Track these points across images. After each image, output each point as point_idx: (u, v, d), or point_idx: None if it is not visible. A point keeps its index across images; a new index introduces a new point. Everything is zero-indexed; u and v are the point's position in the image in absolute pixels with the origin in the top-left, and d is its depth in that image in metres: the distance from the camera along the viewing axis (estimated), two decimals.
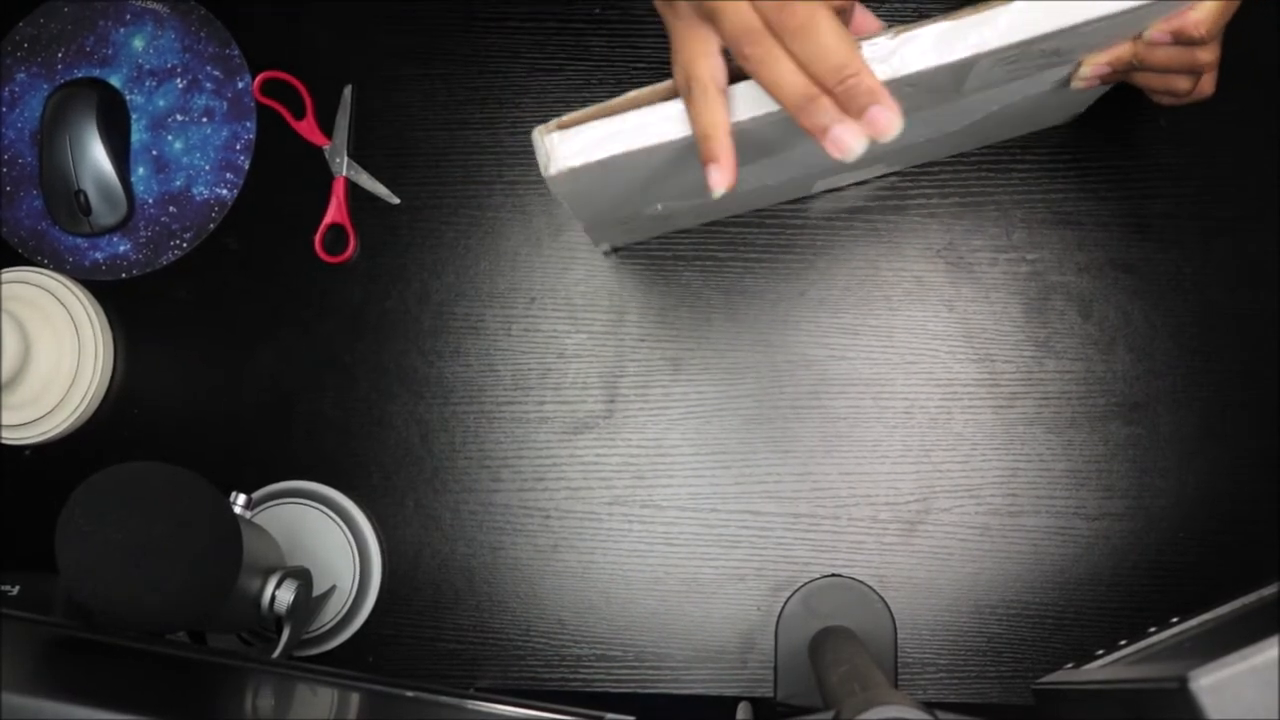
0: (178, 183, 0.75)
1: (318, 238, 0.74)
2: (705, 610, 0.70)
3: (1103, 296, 0.71)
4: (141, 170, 0.75)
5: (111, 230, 0.75)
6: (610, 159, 0.51)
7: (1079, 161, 0.71)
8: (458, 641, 0.71)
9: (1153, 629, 0.48)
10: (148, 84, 0.76)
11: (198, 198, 0.75)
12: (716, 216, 0.72)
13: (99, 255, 0.75)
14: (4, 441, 0.73)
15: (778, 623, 0.70)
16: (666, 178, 0.57)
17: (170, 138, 0.76)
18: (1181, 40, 0.54)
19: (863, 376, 0.71)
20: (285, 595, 0.60)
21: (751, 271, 0.72)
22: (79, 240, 0.75)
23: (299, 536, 0.71)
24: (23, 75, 0.76)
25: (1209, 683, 0.34)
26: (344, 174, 0.74)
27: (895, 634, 0.69)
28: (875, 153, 0.48)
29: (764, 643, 0.70)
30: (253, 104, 0.75)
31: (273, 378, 0.74)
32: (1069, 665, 0.49)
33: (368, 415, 0.73)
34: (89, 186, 0.74)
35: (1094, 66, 0.57)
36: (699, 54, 0.48)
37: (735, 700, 0.69)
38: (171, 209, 0.75)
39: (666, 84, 0.51)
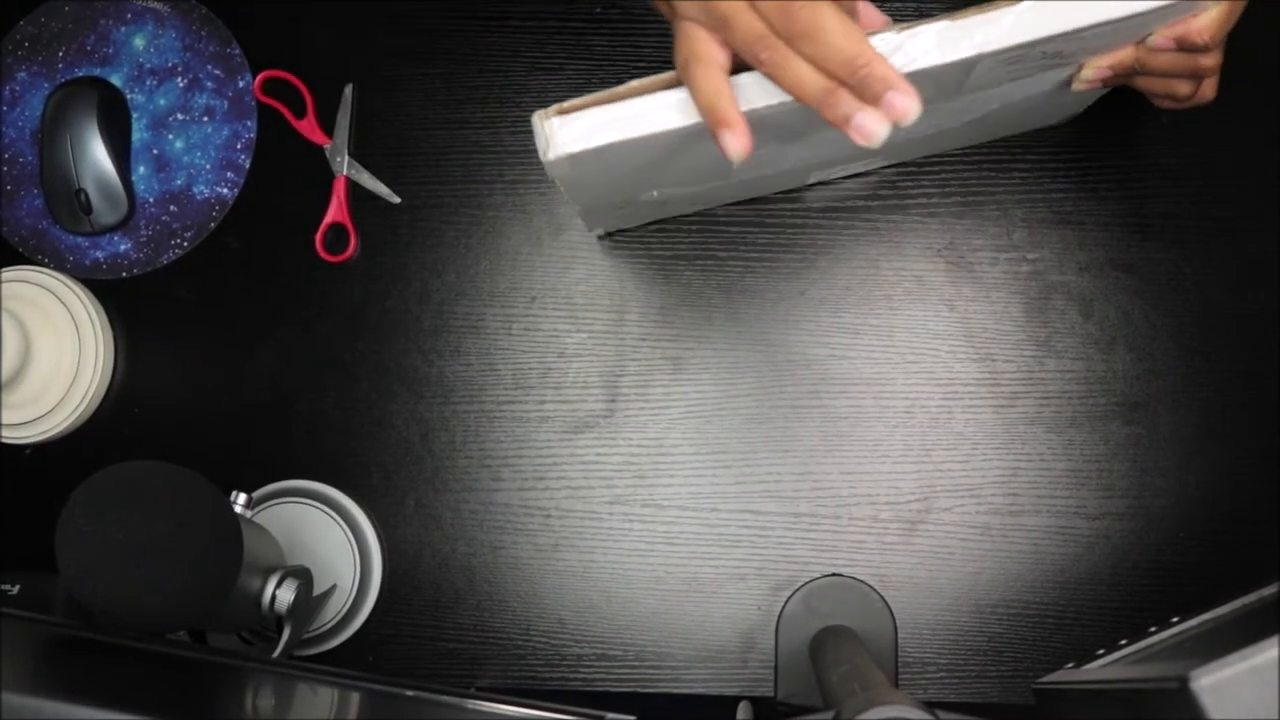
0: (178, 182, 0.75)
1: (318, 237, 0.74)
2: (706, 610, 0.70)
3: (1103, 296, 0.71)
4: (142, 169, 0.75)
5: (112, 229, 0.75)
6: (609, 145, 0.50)
7: (1080, 161, 0.71)
8: (458, 641, 0.71)
9: (1153, 629, 0.48)
10: (148, 83, 0.76)
11: (198, 197, 0.75)
12: (712, 204, 0.72)
13: (99, 254, 0.75)
14: (4, 441, 0.73)
15: (778, 622, 0.70)
16: (665, 165, 0.57)
17: (171, 137, 0.76)
18: (1185, 46, 0.54)
19: (863, 376, 0.71)
20: (285, 595, 0.60)
21: (752, 270, 0.72)
22: (79, 239, 0.75)
23: (299, 536, 0.71)
24: (23, 74, 0.76)
25: (1209, 683, 0.34)
26: (344, 173, 0.74)
27: (896, 633, 0.69)
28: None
29: (764, 642, 0.70)
30: (253, 103, 0.75)
31: (273, 377, 0.74)
32: (1070, 665, 0.49)
33: (368, 414, 0.73)
34: (90, 185, 0.74)
35: (1095, 70, 0.57)
36: (702, 40, 0.48)
37: (735, 700, 0.69)
38: (172, 208, 0.75)
39: (668, 74, 0.51)
